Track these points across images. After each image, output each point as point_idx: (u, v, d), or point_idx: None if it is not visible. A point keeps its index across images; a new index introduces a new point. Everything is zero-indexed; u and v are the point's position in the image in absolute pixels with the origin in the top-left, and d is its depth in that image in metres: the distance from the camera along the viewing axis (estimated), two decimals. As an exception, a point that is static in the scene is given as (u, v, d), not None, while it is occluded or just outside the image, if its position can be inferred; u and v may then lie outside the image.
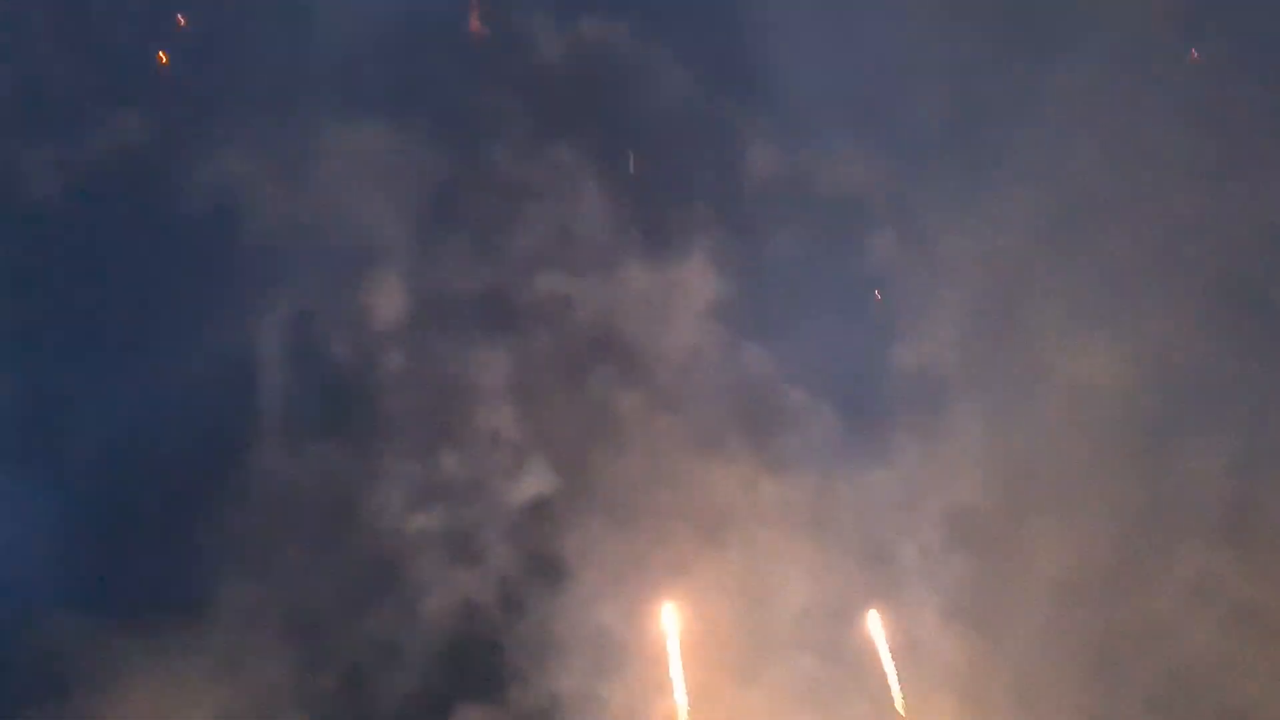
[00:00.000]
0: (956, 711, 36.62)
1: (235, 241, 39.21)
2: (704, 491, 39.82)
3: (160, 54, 42.47)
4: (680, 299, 40.64)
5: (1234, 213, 38.87)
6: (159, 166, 40.38)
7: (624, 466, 39.86)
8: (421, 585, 38.74)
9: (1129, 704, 36.07)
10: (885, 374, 39.94)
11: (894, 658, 38.07)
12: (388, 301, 39.65)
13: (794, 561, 39.14)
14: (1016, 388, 38.41)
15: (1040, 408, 38.01)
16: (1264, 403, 37.63)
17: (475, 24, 43.17)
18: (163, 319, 39.76)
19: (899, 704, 36.71)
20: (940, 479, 39.11)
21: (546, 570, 39.42)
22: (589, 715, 37.83)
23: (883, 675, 38.16)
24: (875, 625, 38.43)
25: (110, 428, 38.17)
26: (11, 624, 34.97)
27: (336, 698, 37.22)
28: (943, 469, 39.13)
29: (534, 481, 39.75)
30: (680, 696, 37.41)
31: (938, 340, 39.27)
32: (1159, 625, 36.37)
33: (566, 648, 38.33)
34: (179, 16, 43.03)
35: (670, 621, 38.54)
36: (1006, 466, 38.20)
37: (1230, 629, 36.19)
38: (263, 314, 39.06)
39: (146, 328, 39.64)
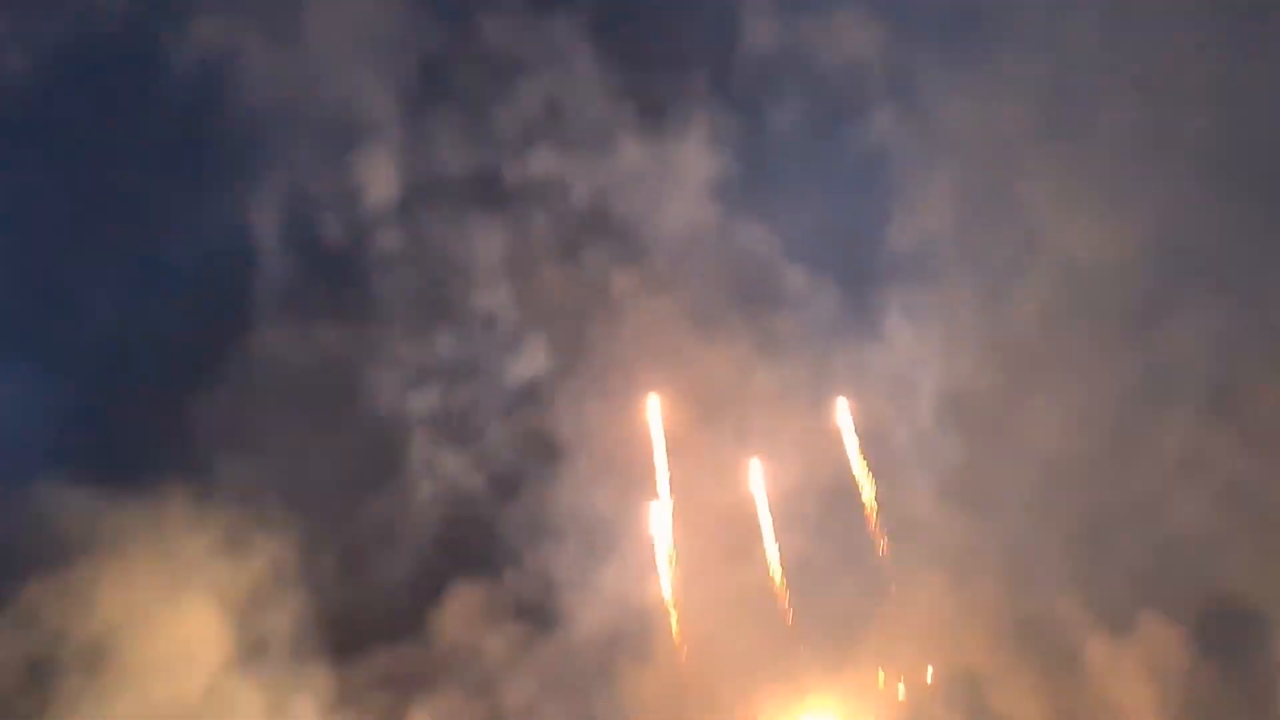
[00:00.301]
0: (947, 588, 37.05)
1: (222, 119, 38.29)
2: (700, 371, 39.91)
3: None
4: (676, 176, 40.09)
5: (1235, 88, 38.15)
6: (140, 41, 39.11)
7: (620, 346, 40.06)
8: (417, 467, 38.95)
9: (1117, 579, 36.55)
10: (882, 253, 39.68)
11: (887, 538, 38.70)
12: (380, 180, 38.96)
13: (789, 441, 39.43)
14: (1011, 265, 38.12)
15: (1035, 284, 37.76)
16: (1256, 279, 37.45)
17: None
18: (153, 199, 38.81)
19: (866, 493, 37.37)
20: (935, 359, 39.15)
21: (541, 452, 39.58)
22: (581, 597, 38.31)
23: (874, 555, 38.71)
24: (843, 412, 39.22)
25: (106, 307, 37.91)
26: (14, 494, 35.11)
27: (335, 577, 37.60)
28: (938, 349, 39.15)
29: (529, 362, 39.65)
30: (665, 579, 37.94)
31: (935, 218, 38.81)
32: (1148, 501, 36.66)
33: (560, 530, 38.73)
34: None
35: (663, 500, 38.97)
36: (1000, 345, 38.12)
37: (1218, 505, 36.50)
38: (253, 193, 38.27)
39: (137, 208, 38.63)
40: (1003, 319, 38.12)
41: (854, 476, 38.12)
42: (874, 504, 37.65)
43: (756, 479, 38.63)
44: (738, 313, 39.94)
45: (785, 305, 40.20)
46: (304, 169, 38.37)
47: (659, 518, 38.16)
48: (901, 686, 37.40)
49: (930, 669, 37.47)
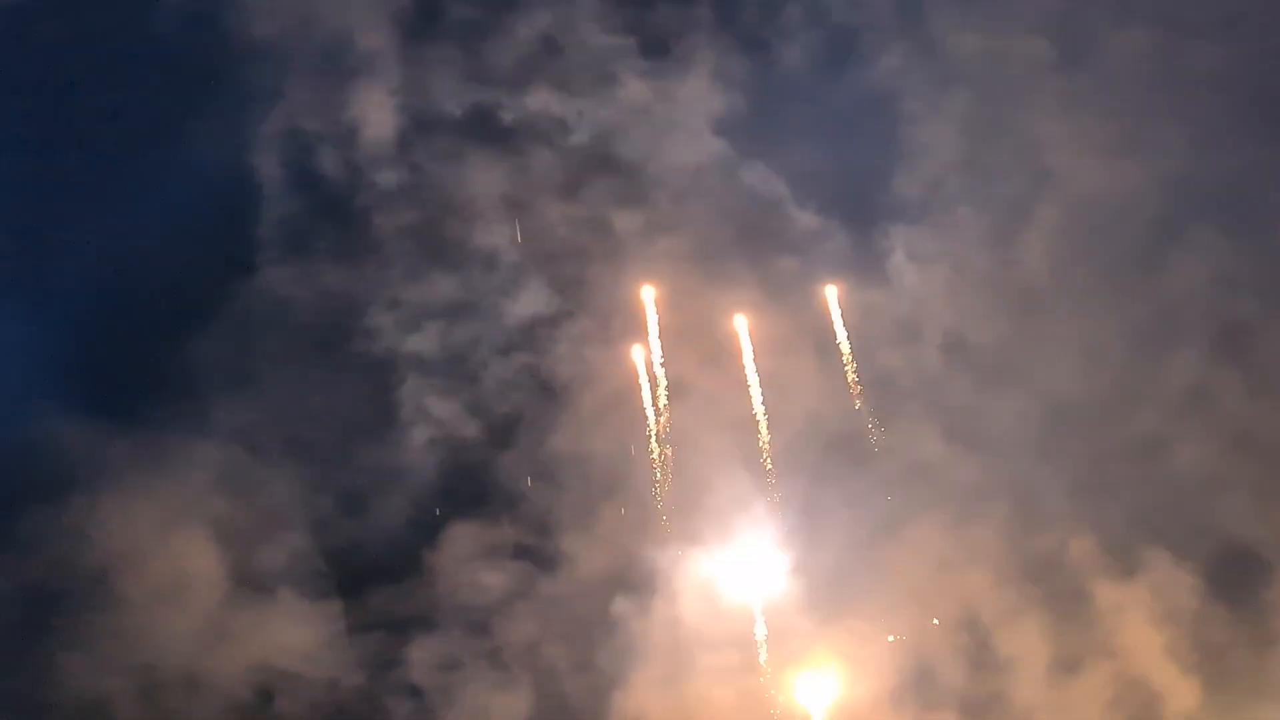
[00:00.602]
0: (954, 527, 36.63)
1: (218, 53, 37.73)
2: (704, 315, 39.52)
3: None
4: (680, 114, 39.35)
5: (1247, 20, 37.21)
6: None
7: (622, 288, 39.64)
8: (416, 409, 38.48)
9: (1121, 519, 36.03)
10: (889, 193, 38.93)
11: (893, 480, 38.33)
12: (377, 117, 38.35)
13: (794, 384, 39.03)
14: (1019, 203, 37.41)
15: (1042, 223, 37.07)
16: (1263, 216, 36.64)
17: None
18: (149, 139, 38.65)
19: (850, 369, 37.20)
20: (941, 300, 38.56)
21: (541, 394, 39.23)
22: (579, 538, 37.90)
23: (878, 499, 38.31)
24: (832, 299, 39.04)
25: (104, 245, 37.42)
26: (15, 427, 35.30)
27: (334, 517, 37.49)
28: (944, 290, 38.57)
29: (529, 303, 39.25)
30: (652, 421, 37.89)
31: (943, 156, 38.05)
32: (1155, 442, 36.04)
33: (560, 473, 38.30)
34: None
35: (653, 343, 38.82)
36: (1007, 286, 37.58)
37: (1226, 447, 35.90)
38: (249, 129, 37.74)
39: (133, 145, 38.53)
40: (1010, 259, 37.54)
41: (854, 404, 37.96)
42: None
43: (743, 332, 38.58)
44: (744, 254, 39.54)
45: (791, 247, 39.63)
46: (300, 105, 37.95)
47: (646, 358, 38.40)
48: (892, 637, 37.18)
49: (936, 620, 37.32)
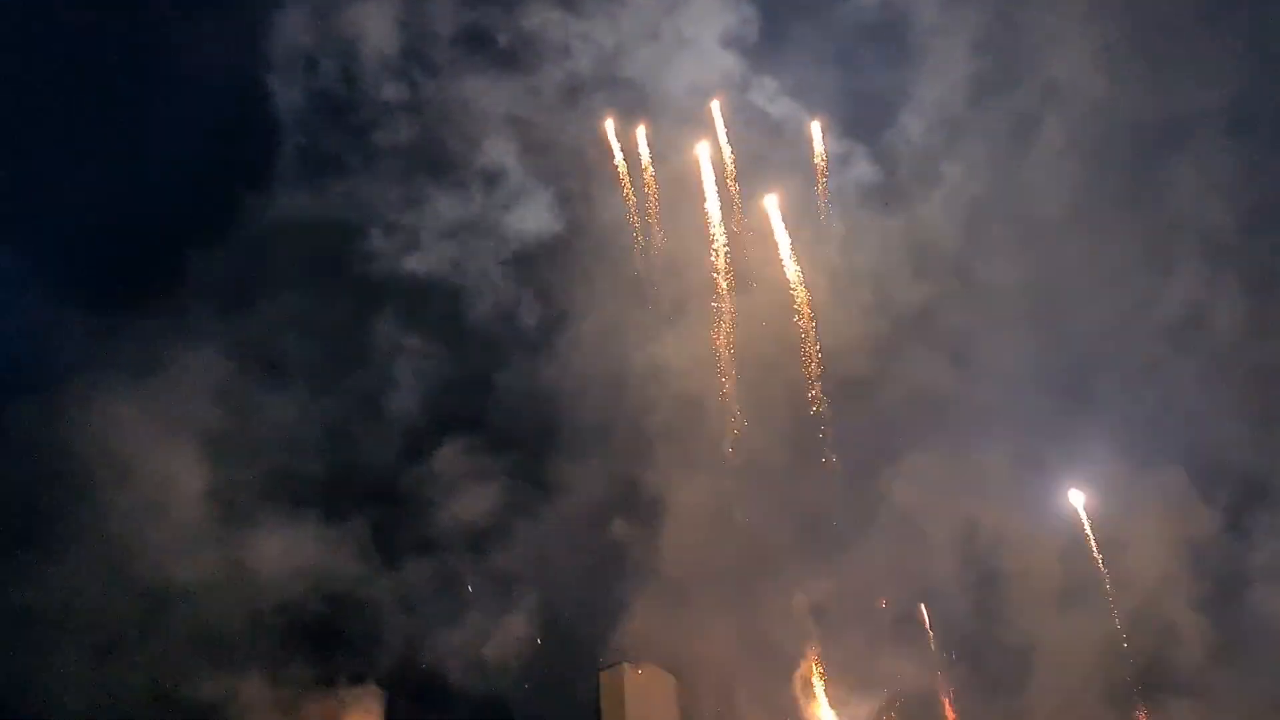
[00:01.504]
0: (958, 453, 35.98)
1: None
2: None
3: None
4: (690, 30, 38.40)
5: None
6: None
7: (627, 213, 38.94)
8: (414, 324, 38.16)
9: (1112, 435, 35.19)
10: (900, 111, 38.09)
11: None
12: (379, 33, 37.96)
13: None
14: (1027, 122, 36.62)
15: (1049, 141, 36.24)
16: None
17: None
18: (151, 50, 38.40)
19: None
20: (948, 227, 37.70)
21: (544, 313, 38.74)
22: (577, 462, 37.55)
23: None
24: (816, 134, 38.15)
25: (105, 162, 37.43)
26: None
27: (327, 438, 37.10)
28: (950, 216, 37.69)
29: (531, 220, 38.71)
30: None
31: (955, 75, 37.16)
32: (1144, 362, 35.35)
33: (560, 390, 37.60)
34: None
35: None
36: (1017, 208, 36.76)
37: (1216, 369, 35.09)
38: (250, 45, 37.52)
39: (135, 59, 38.46)
40: (1021, 180, 36.67)
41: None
42: None
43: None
44: (754, 176, 38.61)
45: (803, 169, 38.73)
46: (301, 22, 37.58)
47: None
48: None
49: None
